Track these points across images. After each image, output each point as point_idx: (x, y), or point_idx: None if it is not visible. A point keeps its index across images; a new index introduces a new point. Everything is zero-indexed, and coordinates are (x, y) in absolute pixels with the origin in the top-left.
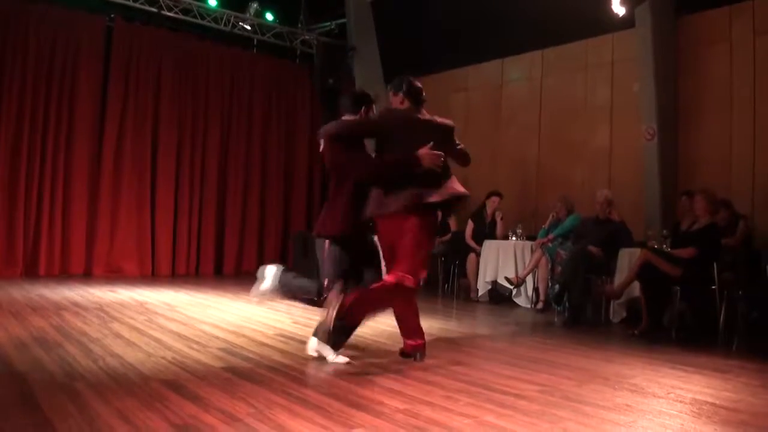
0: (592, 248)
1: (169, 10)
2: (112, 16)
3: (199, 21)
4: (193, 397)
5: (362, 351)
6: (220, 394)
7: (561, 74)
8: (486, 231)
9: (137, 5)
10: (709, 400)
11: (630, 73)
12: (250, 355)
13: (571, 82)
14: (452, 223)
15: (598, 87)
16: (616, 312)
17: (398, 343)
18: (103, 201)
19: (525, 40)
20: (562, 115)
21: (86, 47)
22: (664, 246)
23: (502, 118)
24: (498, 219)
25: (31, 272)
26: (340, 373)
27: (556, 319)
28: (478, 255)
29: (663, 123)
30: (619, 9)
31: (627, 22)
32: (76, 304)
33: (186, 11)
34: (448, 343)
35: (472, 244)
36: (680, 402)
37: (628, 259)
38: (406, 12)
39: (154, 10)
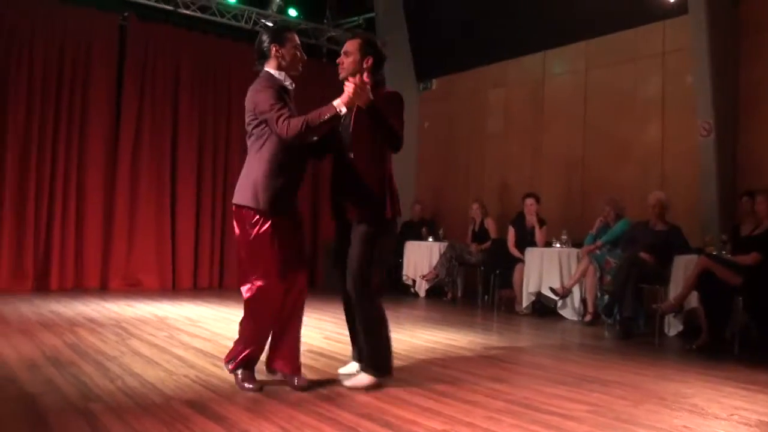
0: (644, 255)
1: (186, 7)
2: (126, 14)
3: (218, 19)
4: (217, 418)
5: (397, 369)
6: (246, 414)
7: (608, 67)
8: (528, 238)
9: (152, 3)
10: None
11: (683, 64)
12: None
13: (618, 74)
14: (492, 229)
15: (648, 80)
16: (672, 324)
17: (436, 360)
18: (119, 210)
19: (568, 30)
20: (610, 111)
21: (98, 48)
22: (724, 252)
23: (545, 115)
24: (537, 226)
25: (42, 286)
26: (374, 392)
27: (606, 333)
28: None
29: (720, 117)
30: None
31: (680, 8)
32: (91, 320)
33: (204, 8)
34: (489, 359)
35: (516, 253)
36: (745, 424)
37: (683, 266)
38: (439, 3)
39: (170, 7)
